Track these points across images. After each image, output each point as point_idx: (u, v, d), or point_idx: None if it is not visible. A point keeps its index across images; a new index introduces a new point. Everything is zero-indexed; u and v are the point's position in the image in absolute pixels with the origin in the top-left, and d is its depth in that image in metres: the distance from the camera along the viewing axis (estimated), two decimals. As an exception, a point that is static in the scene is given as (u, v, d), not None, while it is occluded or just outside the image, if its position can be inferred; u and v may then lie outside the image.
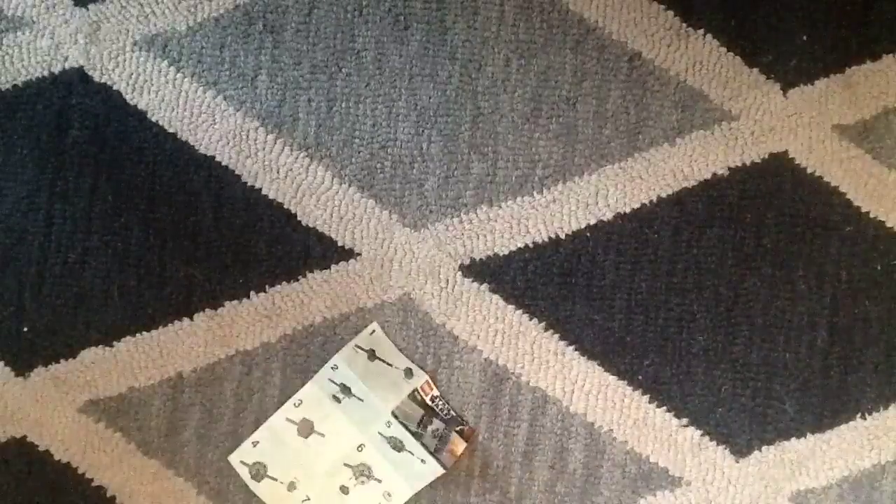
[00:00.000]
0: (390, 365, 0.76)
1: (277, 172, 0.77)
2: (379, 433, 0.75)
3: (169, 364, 0.76)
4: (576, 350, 0.78)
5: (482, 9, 0.78)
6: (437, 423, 0.76)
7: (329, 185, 0.77)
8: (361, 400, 0.76)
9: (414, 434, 0.76)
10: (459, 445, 0.76)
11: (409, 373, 0.76)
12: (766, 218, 0.78)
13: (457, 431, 0.76)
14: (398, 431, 0.75)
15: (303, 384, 0.77)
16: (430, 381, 0.77)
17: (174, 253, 0.77)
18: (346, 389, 0.76)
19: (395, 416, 0.76)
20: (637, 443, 0.78)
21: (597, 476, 0.78)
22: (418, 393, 0.76)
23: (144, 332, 0.77)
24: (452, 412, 0.76)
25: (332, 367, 0.76)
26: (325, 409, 0.75)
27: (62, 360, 0.76)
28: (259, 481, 0.75)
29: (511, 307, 0.78)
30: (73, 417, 0.76)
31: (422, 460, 0.75)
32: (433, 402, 0.76)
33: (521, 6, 0.78)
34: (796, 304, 0.78)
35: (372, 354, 0.76)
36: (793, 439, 0.78)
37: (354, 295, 0.77)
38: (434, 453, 0.75)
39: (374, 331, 0.77)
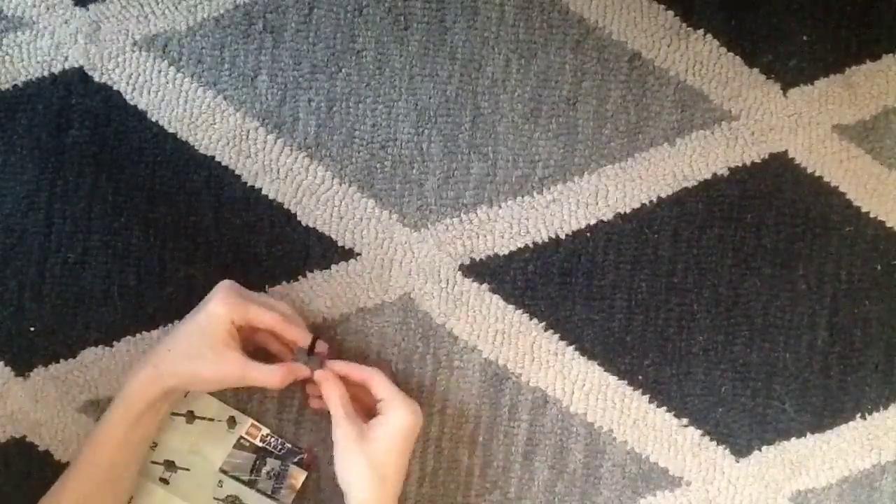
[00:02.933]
0: (212, 420, 0.75)
1: (277, 172, 0.77)
2: (214, 499, 0.74)
3: (169, 364, 0.76)
4: (576, 350, 0.78)
5: (482, 9, 0.78)
6: (272, 463, 0.75)
7: (329, 185, 0.77)
8: (188, 469, 0.74)
9: (248, 483, 0.74)
10: (299, 477, 0.75)
11: (231, 422, 0.75)
12: (766, 218, 0.78)
13: (295, 463, 0.75)
14: (232, 488, 0.74)
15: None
16: (255, 423, 0.75)
17: (174, 253, 0.77)
18: (170, 465, 0.74)
19: (225, 472, 0.74)
20: (637, 443, 0.78)
21: (597, 476, 0.78)
22: (245, 439, 0.75)
23: (144, 332, 0.77)
24: (287, 445, 0.75)
25: (151, 448, 0.74)
26: (154, 499, 0.73)
27: (62, 360, 0.76)
28: None
29: (511, 307, 0.78)
30: (73, 417, 0.76)
31: None
32: (264, 441, 0.75)
33: (521, 6, 0.78)
34: (796, 304, 0.78)
35: (190, 416, 0.75)
36: (793, 439, 0.78)
37: (354, 295, 0.77)
38: (272, 495, 0.74)
39: (187, 391, 0.74)
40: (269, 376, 0.68)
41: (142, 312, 0.77)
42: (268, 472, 0.75)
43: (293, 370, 0.69)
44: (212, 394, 0.75)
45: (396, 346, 0.77)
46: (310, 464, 0.76)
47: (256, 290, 0.77)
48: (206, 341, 0.67)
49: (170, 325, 0.76)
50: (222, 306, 0.68)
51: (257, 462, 0.75)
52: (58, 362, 0.76)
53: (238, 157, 0.77)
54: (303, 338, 0.71)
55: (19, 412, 0.76)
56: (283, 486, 0.75)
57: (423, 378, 0.77)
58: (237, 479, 0.74)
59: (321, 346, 0.71)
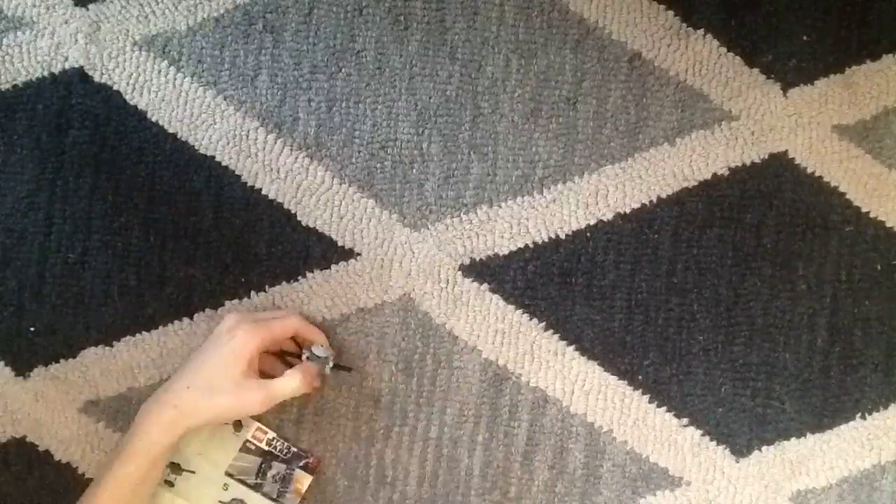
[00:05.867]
0: None
1: (277, 172, 0.77)
2: (219, 502, 0.74)
3: (169, 364, 0.76)
4: (576, 350, 0.78)
5: (482, 9, 0.78)
6: (277, 466, 0.75)
7: (329, 185, 0.77)
8: (194, 472, 0.74)
9: (254, 487, 0.74)
10: (304, 481, 0.75)
11: (238, 425, 0.75)
12: (766, 218, 0.78)
13: (301, 467, 0.75)
14: (237, 491, 0.74)
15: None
16: (261, 426, 0.75)
17: (174, 253, 0.77)
18: (175, 468, 0.73)
19: (231, 476, 0.74)
20: (637, 443, 0.78)
21: (597, 476, 0.78)
22: (251, 443, 0.75)
23: (144, 332, 0.77)
24: (293, 449, 0.75)
25: None
26: (159, 501, 0.73)
27: (62, 360, 0.76)
28: None
29: (511, 307, 0.78)
30: (73, 417, 0.76)
31: None
32: (270, 444, 0.75)
33: (521, 6, 0.78)
34: (796, 304, 0.78)
35: None
36: (793, 439, 0.78)
37: (354, 295, 0.77)
38: (277, 499, 0.74)
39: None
40: (292, 384, 0.69)
41: (142, 312, 0.77)
42: (273, 476, 0.75)
43: (308, 369, 0.70)
44: None
45: (396, 346, 0.77)
46: (315, 468, 0.76)
47: (256, 291, 0.77)
48: (228, 375, 0.67)
49: (170, 325, 0.76)
50: (251, 338, 0.68)
51: (263, 466, 0.75)
52: (58, 362, 0.76)
53: (238, 157, 0.77)
54: (321, 335, 0.74)
55: (19, 412, 0.76)
56: (289, 490, 0.75)
57: (423, 378, 0.77)
58: (243, 482, 0.74)
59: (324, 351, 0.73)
